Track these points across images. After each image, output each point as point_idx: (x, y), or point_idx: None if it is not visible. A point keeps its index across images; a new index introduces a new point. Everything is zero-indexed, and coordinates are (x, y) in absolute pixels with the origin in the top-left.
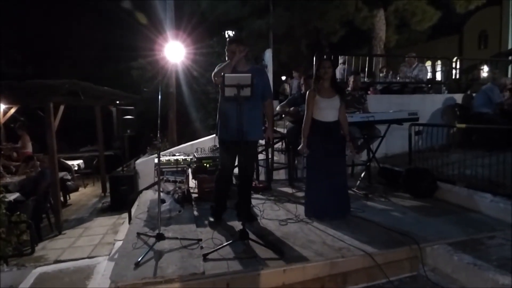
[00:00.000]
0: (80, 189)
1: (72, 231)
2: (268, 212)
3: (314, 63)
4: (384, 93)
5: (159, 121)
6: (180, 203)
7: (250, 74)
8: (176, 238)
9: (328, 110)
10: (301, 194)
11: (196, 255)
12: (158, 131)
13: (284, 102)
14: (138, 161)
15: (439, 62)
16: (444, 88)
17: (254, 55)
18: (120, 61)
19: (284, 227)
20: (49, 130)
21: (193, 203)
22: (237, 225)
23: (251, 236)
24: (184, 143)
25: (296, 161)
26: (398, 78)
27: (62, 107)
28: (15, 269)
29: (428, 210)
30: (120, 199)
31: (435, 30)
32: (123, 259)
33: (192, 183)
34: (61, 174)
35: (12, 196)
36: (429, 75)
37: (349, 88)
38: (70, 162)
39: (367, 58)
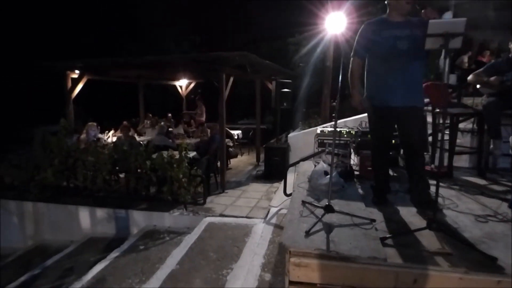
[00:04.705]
0: (238, 156)
1: (232, 191)
2: (455, 204)
3: None
4: None
5: (338, 95)
6: (343, 178)
7: (464, 19)
8: (347, 214)
9: None
10: (498, 187)
11: (372, 237)
12: (337, 100)
13: (481, 70)
14: (290, 135)
15: None
16: None
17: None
18: (277, 39)
19: (483, 224)
20: (220, 100)
21: (355, 179)
22: (414, 211)
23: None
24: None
25: (492, 146)
26: None
27: (231, 80)
28: (191, 214)
29: None
30: (272, 169)
31: None
32: (291, 225)
33: (353, 159)
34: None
35: (191, 154)
36: None
37: None
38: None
39: None
